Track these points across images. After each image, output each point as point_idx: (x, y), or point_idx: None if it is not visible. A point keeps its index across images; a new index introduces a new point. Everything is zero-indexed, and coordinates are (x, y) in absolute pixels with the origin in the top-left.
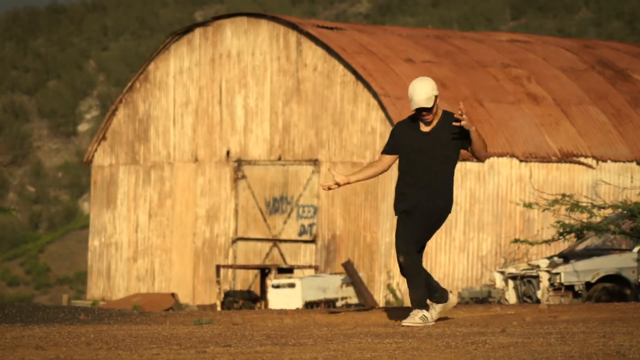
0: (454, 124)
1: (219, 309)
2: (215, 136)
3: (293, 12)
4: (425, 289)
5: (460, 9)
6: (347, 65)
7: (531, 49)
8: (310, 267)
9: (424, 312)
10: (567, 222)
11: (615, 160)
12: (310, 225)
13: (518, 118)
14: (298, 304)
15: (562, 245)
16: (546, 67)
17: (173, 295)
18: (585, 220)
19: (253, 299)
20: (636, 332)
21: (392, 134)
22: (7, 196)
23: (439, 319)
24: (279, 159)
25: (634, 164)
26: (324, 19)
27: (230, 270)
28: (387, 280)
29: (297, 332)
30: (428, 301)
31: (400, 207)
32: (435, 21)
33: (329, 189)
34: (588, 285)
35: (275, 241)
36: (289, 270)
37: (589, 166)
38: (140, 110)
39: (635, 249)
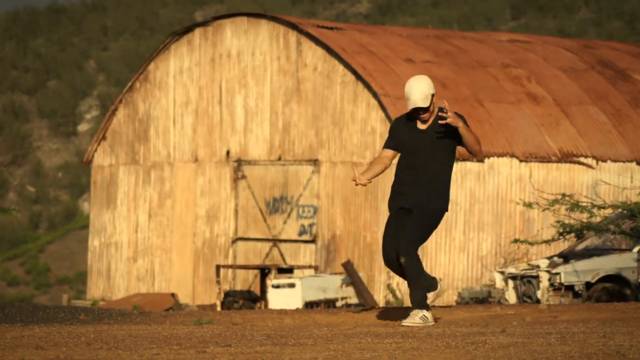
0: (440, 122)
1: (219, 309)
2: (215, 136)
3: (293, 12)
4: (426, 290)
5: (460, 9)
6: (347, 65)
7: (531, 49)
8: (310, 267)
9: (424, 312)
10: (567, 222)
11: (615, 160)
12: (310, 225)
13: (518, 118)
14: (298, 304)
15: (562, 245)
16: (546, 67)
17: (173, 295)
18: (585, 220)
19: (253, 299)
20: (636, 332)
21: (391, 131)
22: (7, 196)
23: (437, 319)
24: (279, 159)
25: (633, 164)
26: (324, 19)
27: (230, 270)
28: (387, 280)
29: (297, 332)
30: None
31: (397, 204)
32: (435, 21)
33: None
34: (588, 285)
35: (275, 241)
36: (289, 270)
37: (589, 166)
38: (140, 110)
39: (635, 249)
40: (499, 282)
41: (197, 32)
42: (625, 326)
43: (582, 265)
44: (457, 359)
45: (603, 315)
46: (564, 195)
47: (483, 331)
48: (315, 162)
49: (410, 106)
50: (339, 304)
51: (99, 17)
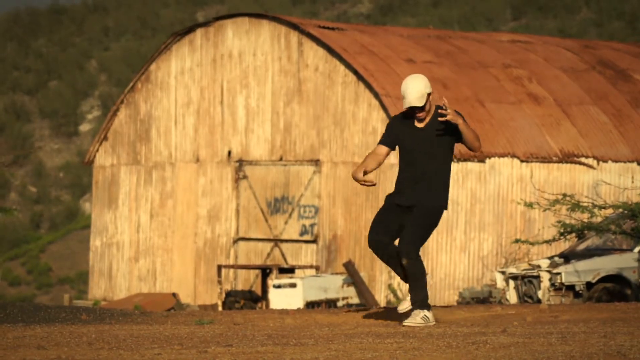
0: (439, 119)
1: (220, 309)
2: (217, 136)
3: (294, 12)
4: (427, 290)
5: (461, 9)
6: (349, 66)
7: (532, 49)
8: (311, 267)
9: (425, 312)
10: (567, 222)
11: (616, 161)
12: (312, 225)
13: (519, 118)
14: (299, 303)
15: (563, 245)
16: (547, 67)
17: (174, 295)
18: (586, 220)
19: (254, 299)
20: (637, 332)
21: (388, 128)
22: (8, 196)
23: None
24: (280, 159)
25: (634, 164)
26: (325, 20)
27: (231, 270)
28: (388, 280)
29: (299, 332)
30: (397, 281)
31: (395, 200)
32: (436, 21)
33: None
34: (589, 285)
35: (277, 241)
36: (290, 270)
37: (590, 166)
38: (142, 111)
39: (636, 249)
40: (500, 282)
41: (199, 32)
42: (626, 326)
43: (582, 265)
44: (458, 358)
45: (604, 315)
46: (564, 195)
47: (484, 331)
48: (316, 162)
49: (406, 105)
50: (340, 304)
51: (100, 17)
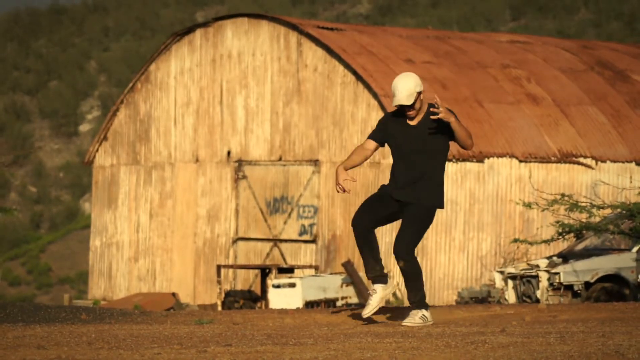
0: (431, 117)
1: (219, 308)
2: (216, 136)
3: (293, 12)
4: (424, 291)
5: (460, 9)
6: (348, 66)
7: (531, 50)
8: (310, 267)
9: (424, 311)
10: (566, 222)
11: (614, 161)
12: (311, 225)
13: (518, 118)
14: (298, 303)
15: (562, 245)
16: (546, 67)
17: (174, 295)
18: (584, 220)
19: (254, 298)
20: (635, 331)
21: (380, 124)
22: (8, 196)
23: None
24: (280, 159)
25: (633, 165)
26: (325, 20)
27: (230, 270)
28: None
29: (298, 331)
30: (368, 282)
31: (392, 193)
32: (435, 22)
33: (344, 190)
34: (587, 285)
35: (276, 241)
36: (290, 270)
37: (588, 166)
38: (142, 111)
39: (634, 249)
40: (499, 281)
41: (198, 32)
42: (624, 326)
43: (581, 265)
44: (457, 358)
45: (602, 315)
46: (563, 195)
47: (483, 331)
48: (315, 163)
49: (394, 103)
50: (339, 303)
51: (100, 17)
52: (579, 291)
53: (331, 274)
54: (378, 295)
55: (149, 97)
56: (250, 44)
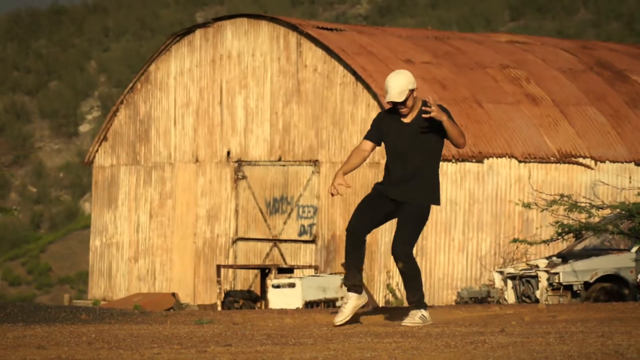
0: (424, 116)
1: (219, 308)
2: (216, 137)
3: (293, 13)
4: (423, 290)
5: (459, 10)
6: (347, 66)
7: (530, 50)
8: (310, 267)
9: (423, 311)
10: (565, 222)
11: (613, 161)
12: (310, 226)
13: (517, 119)
14: (298, 303)
15: (561, 245)
16: (545, 68)
17: (174, 295)
18: (583, 221)
19: (253, 298)
20: (634, 331)
21: (374, 123)
22: (8, 196)
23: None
24: (279, 159)
25: (632, 165)
26: (324, 20)
27: (230, 270)
28: (387, 280)
29: (297, 331)
30: (343, 288)
31: (386, 192)
32: (434, 22)
33: (338, 193)
34: (586, 285)
35: (276, 241)
36: (289, 270)
37: (588, 167)
38: (141, 111)
39: (633, 249)
40: (498, 282)
41: (198, 33)
42: (624, 326)
43: (580, 265)
44: (456, 358)
45: (601, 315)
46: (562, 195)
47: (482, 331)
48: (315, 163)
49: (386, 99)
50: (338, 303)
51: (100, 18)
52: (578, 291)
53: (331, 274)
54: (351, 304)
55: (149, 97)
56: (250, 44)
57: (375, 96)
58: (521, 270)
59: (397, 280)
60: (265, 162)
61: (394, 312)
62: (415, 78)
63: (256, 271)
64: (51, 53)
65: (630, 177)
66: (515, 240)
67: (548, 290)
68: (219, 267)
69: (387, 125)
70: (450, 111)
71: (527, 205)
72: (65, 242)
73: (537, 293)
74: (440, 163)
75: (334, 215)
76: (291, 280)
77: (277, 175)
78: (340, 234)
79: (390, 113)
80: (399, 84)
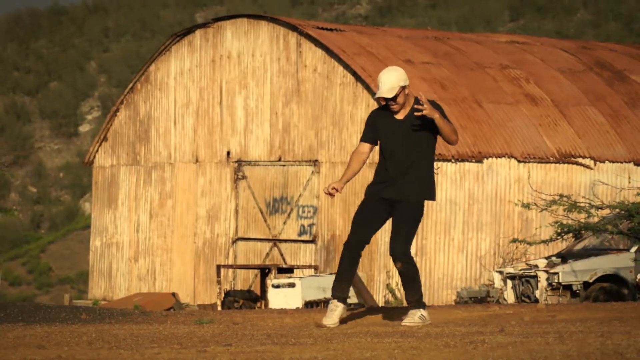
0: (416, 114)
1: (219, 308)
2: (216, 137)
3: (293, 13)
4: (422, 290)
5: (459, 10)
6: (347, 67)
7: (529, 50)
8: (310, 267)
9: (422, 311)
10: (565, 222)
11: (613, 161)
12: (310, 226)
13: (516, 119)
14: (298, 303)
15: (560, 245)
16: (544, 68)
17: (174, 294)
18: (583, 221)
19: (253, 298)
20: (634, 331)
21: (368, 123)
22: (8, 196)
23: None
24: (279, 159)
25: (631, 165)
26: (324, 21)
27: (230, 270)
28: (387, 280)
29: (297, 331)
30: (334, 299)
31: (378, 193)
32: (434, 23)
33: (331, 195)
34: (586, 284)
35: (275, 241)
36: (289, 270)
37: (587, 167)
38: (141, 111)
39: (633, 249)
40: (498, 281)
41: (198, 33)
42: (623, 325)
43: (580, 265)
44: (456, 358)
45: (601, 314)
46: (562, 195)
47: (482, 330)
48: (315, 163)
49: (377, 95)
50: None
51: (100, 18)
52: (577, 291)
53: (330, 273)
54: (339, 312)
55: (149, 97)
56: (250, 44)
57: (375, 96)
58: (521, 270)
59: (396, 280)
60: (265, 162)
61: (394, 312)
62: (414, 78)
63: (256, 271)
64: (51, 53)
65: (629, 177)
66: (514, 240)
67: (547, 290)
68: (218, 267)
69: (379, 123)
70: (445, 109)
71: (527, 205)
72: (66, 242)
73: (537, 293)
74: (440, 163)
75: (334, 215)
76: (291, 280)
77: (277, 175)
78: (340, 234)
79: (383, 110)
80: (389, 80)
